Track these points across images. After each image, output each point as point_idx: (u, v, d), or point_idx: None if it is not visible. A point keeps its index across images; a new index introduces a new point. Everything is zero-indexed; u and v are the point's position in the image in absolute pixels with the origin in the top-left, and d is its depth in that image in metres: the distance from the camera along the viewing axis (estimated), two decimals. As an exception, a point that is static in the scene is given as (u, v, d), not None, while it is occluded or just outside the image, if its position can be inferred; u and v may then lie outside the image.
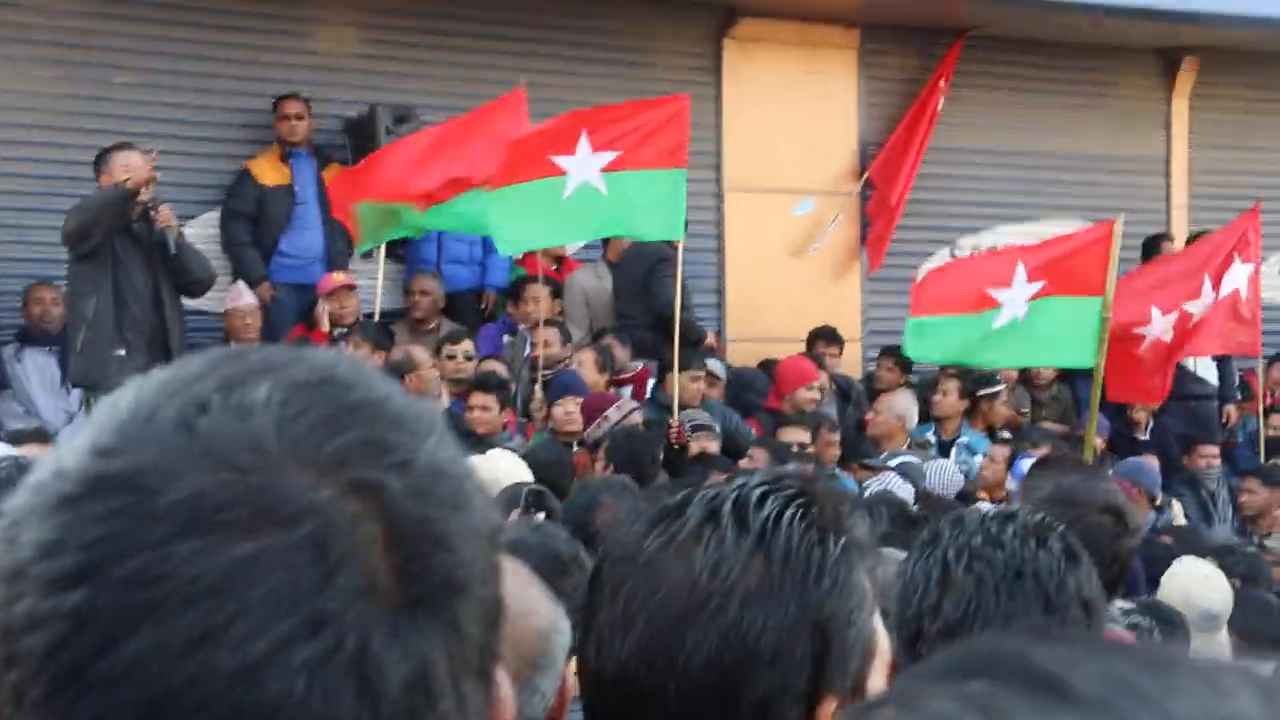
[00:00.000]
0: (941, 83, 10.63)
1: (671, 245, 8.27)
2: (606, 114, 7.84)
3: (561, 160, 7.50)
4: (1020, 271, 7.85)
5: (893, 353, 9.87)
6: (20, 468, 1.77)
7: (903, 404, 8.77)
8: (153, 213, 7.33)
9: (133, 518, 0.69)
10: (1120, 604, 3.73)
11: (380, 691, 0.69)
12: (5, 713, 0.71)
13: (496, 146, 7.60)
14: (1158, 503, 8.28)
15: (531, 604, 2.03)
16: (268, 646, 0.67)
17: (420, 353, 7.89)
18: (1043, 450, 7.40)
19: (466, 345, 8.36)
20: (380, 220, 8.07)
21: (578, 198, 7.51)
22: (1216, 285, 8.65)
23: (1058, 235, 8.75)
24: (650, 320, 8.68)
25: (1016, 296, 7.83)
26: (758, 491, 1.27)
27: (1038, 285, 7.82)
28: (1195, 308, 8.58)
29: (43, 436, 6.20)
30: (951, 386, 9.07)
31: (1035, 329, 7.84)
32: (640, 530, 1.27)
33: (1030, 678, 0.50)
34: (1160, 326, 8.49)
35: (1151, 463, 8.72)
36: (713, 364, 8.69)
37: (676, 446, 7.37)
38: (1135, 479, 7.73)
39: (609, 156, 7.48)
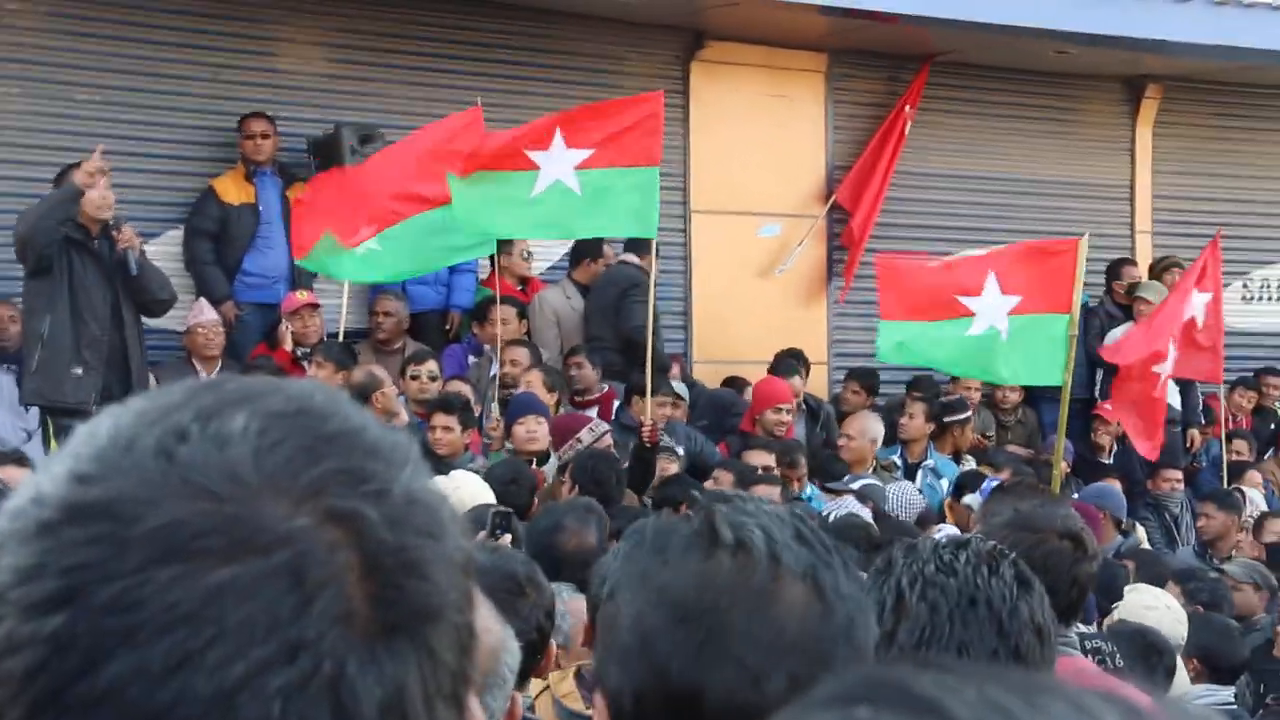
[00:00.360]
0: (907, 108, 10.70)
1: (644, 271, 8.28)
2: (582, 113, 7.84)
3: (535, 155, 7.51)
4: (992, 281, 7.95)
5: (859, 376, 9.91)
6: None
7: (875, 428, 8.81)
8: (115, 232, 7.26)
9: (111, 544, 0.70)
10: (1081, 629, 3.73)
11: (355, 716, 0.71)
12: None
13: (453, 166, 7.59)
14: (1123, 527, 8.32)
15: (483, 623, 2.03)
16: (244, 672, 0.69)
17: (383, 372, 7.85)
18: (1005, 474, 7.43)
19: (431, 365, 8.33)
20: (332, 253, 8.00)
21: (549, 195, 7.50)
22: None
23: (1023, 243, 8.84)
24: (619, 344, 8.68)
25: (991, 307, 7.93)
26: (806, 515, 1.37)
27: (1015, 300, 7.93)
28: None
29: (20, 459, 6.12)
30: (918, 410, 9.10)
31: (1012, 346, 7.97)
32: (725, 568, 1.30)
33: (910, 702, 0.52)
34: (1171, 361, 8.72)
35: (1116, 487, 8.77)
36: (677, 386, 8.69)
37: (648, 444, 7.44)
38: (1101, 503, 7.77)
39: (583, 154, 7.48)
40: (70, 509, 0.72)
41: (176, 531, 0.70)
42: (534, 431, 7.46)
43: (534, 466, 7.26)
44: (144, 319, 7.61)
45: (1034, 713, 0.52)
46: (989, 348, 8.02)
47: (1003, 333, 7.94)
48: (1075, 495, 8.27)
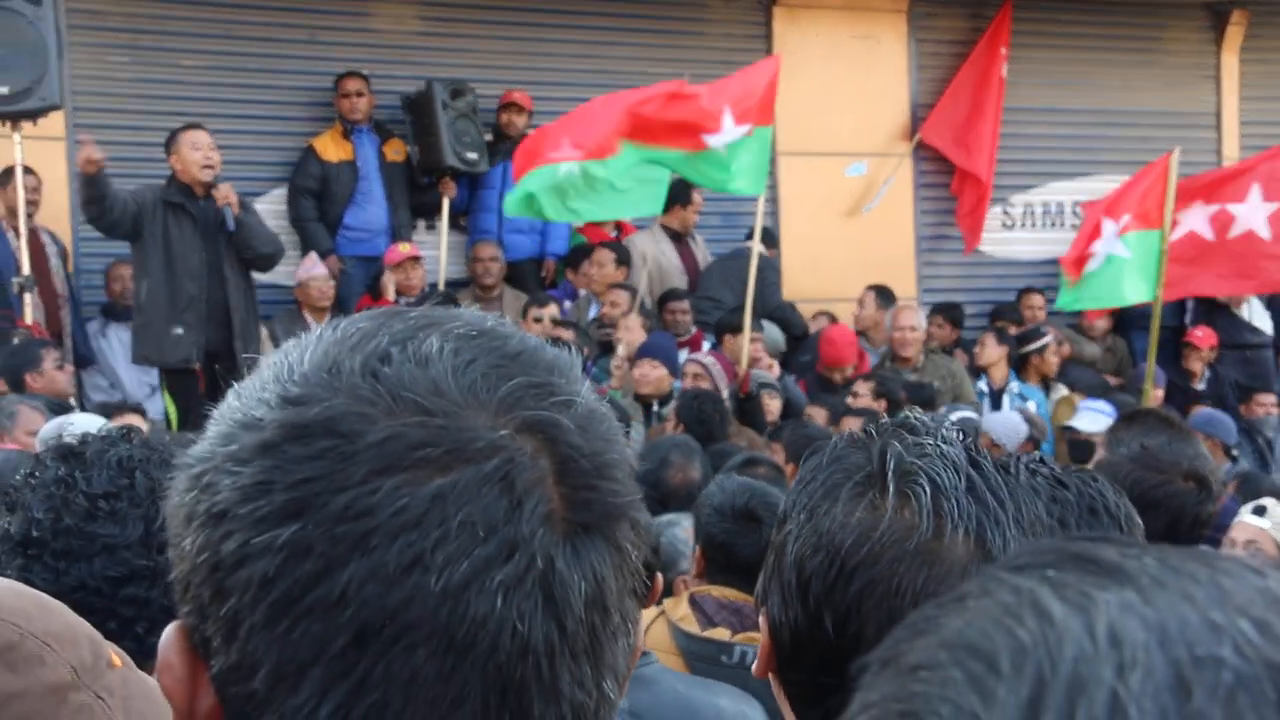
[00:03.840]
0: (1002, 49, 10.65)
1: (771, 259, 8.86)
2: (734, 84, 7.92)
3: (709, 138, 7.65)
4: (1106, 225, 8.18)
5: (944, 310, 10.00)
6: (117, 436, 1.81)
7: (917, 317, 9.08)
8: (214, 190, 7.48)
9: (336, 458, 0.74)
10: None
11: (565, 608, 0.76)
12: (214, 645, 0.78)
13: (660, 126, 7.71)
14: (1232, 453, 8.34)
15: None
16: (470, 569, 0.73)
17: None
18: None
19: (553, 309, 8.54)
20: (545, 192, 7.88)
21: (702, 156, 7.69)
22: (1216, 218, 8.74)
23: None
24: (735, 304, 8.80)
25: (1109, 239, 8.18)
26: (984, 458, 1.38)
27: (1124, 219, 8.12)
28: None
29: (139, 409, 6.42)
30: (988, 339, 9.25)
31: (1118, 269, 8.18)
32: (887, 522, 1.28)
33: (1094, 566, 0.54)
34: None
35: (1224, 415, 8.74)
36: (771, 329, 8.90)
37: (742, 395, 7.62)
38: (1210, 430, 7.78)
39: (745, 128, 7.64)
40: (289, 429, 0.75)
41: (396, 444, 0.74)
42: (646, 375, 7.56)
43: (657, 407, 7.44)
44: (254, 275, 7.83)
45: (1216, 574, 0.53)
46: (1113, 274, 8.26)
47: (1123, 253, 8.20)
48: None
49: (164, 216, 7.38)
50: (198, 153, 7.44)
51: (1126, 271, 8.24)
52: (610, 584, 0.78)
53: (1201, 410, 8.64)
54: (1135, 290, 8.42)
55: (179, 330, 7.34)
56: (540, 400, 0.78)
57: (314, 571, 0.73)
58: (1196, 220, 8.70)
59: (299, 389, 0.77)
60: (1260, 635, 0.49)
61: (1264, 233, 8.65)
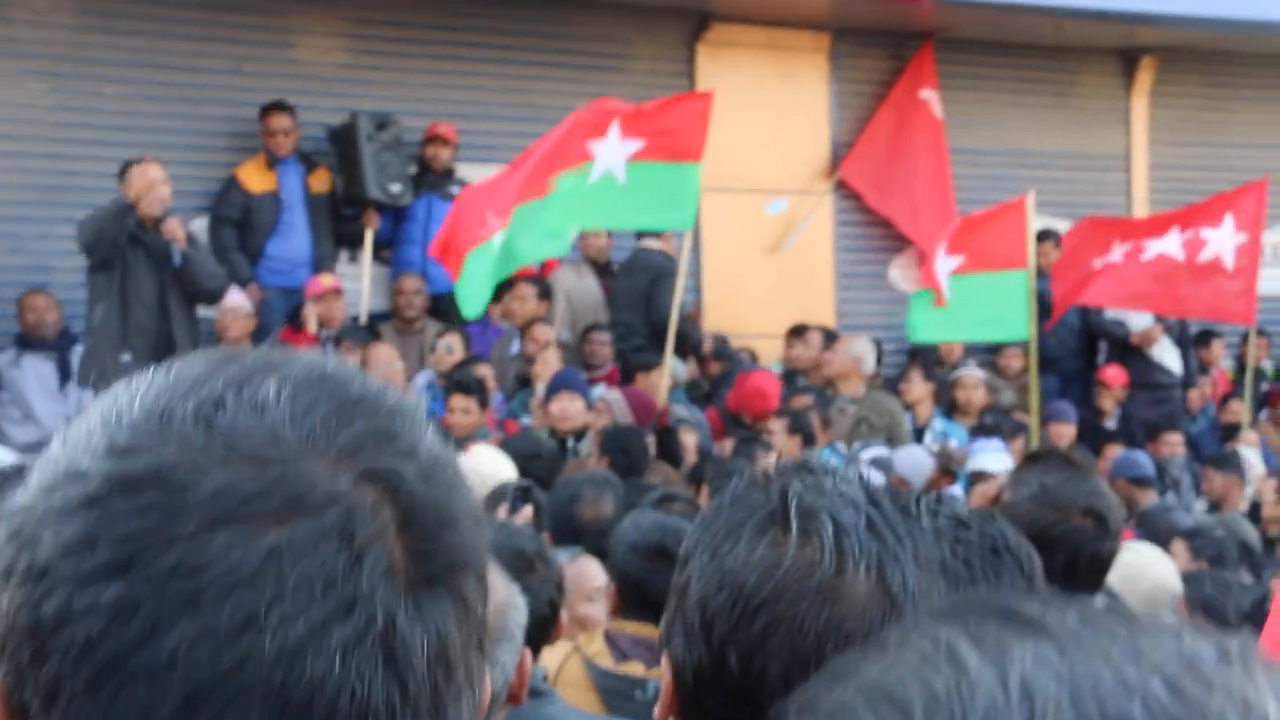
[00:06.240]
0: (924, 91, 10.84)
1: (666, 254, 8.56)
2: (640, 108, 7.78)
3: (592, 144, 7.47)
4: (940, 251, 8.33)
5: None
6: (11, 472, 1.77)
7: (860, 348, 9.14)
8: (161, 225, 7.51)
9: (165, 512, 0.70)
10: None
11: (407, 666, 0.73)
12: (32, 711, 0.72)
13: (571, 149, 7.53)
14: (1153, 484, 8.55)
15: (490, 580, 2.27)
16: (306, 629, 0.70)
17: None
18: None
19: (450, 339, 8.59)
20: (480, 272, 7.59)
21: (599, 184, 7.49)
22: (1188, 243, 8.92)
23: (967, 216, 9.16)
24: (648, 331, 8.77)
25: (942, 271, 8.30)
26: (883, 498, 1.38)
27: (957, 260, 8.22)
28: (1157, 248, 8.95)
29: None
30: (914, 375, 9.36)
31: (963, 306, 8.23)
32: (790, 559, 1.28)
33: (1014, 618, 0.55)
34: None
35: (1133, 452, 8.93)
36: (676, 366, 8.97)
37: (660, 429, 7.68)
38: (1127, 473, 7.92)
39: (636, 145, 7.48)
40: (116, 480, 0.71)
41: (228, 496, 0.70)
42: (566, 409, 7.50)
43: (573, 443, 7.39)
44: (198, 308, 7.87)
45: (1134, 633, 0.53)
46: (944, 313, 8.39)
47: (945, 294, 8.28)
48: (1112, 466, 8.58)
49: (124, 244, 7.44)
50: (145, 183, 7.46)
51: (972, 310, 8.33)
52: (454, 639, 0.75)
53: (1124, 454, 8.80)
54: (1001, 329, 8.60)
55: (126, 357, 7.37)
56: (382, 448, 0.75)
57: (140, 633, 0.69)
58: (1171, 244, 8.93)
59: (127, 437, 0.73)
60: (1169, 694, 0.50)
61: (1230, 262, 8.86)
